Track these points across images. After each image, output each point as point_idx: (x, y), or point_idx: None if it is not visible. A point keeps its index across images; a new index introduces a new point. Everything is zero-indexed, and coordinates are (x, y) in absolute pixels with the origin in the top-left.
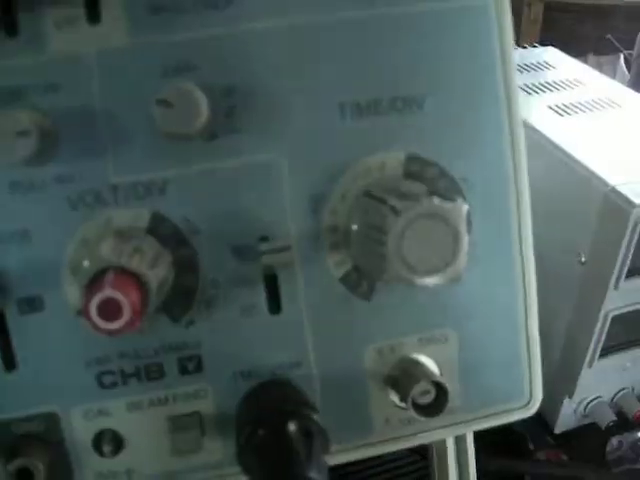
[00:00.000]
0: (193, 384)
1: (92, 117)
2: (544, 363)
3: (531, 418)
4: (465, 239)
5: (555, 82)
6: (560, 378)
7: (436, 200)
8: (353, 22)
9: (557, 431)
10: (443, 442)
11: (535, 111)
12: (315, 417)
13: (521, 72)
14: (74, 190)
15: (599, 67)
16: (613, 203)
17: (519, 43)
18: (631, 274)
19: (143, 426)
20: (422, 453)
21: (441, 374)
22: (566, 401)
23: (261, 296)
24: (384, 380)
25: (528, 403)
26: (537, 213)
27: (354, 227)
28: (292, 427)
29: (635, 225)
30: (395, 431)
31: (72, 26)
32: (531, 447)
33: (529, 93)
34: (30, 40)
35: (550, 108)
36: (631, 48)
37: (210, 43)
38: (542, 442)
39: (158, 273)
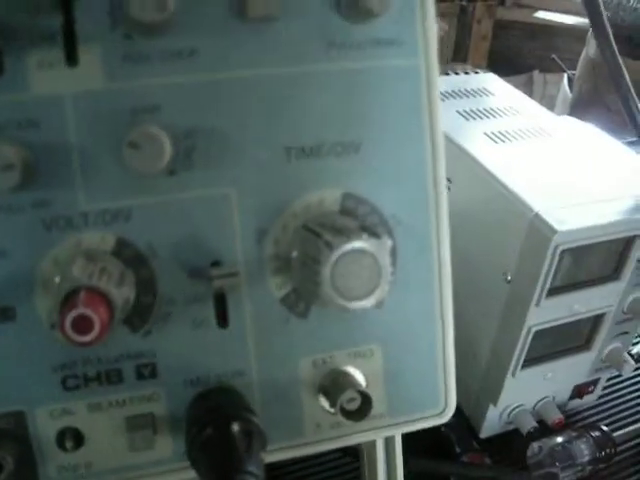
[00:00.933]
0: (148, 388)
1: (68, 151)
2: (471, 372)
3: (458, 423)
4: (387, 270)
5: (492, 109)
6: (486, 387)
7: (364, 237)
8: (300, 76)
9: (482, 436)
10: (373, 444)
11: (471, 137)
12: (255, 420)
13: (461, 97)
14: (48, 215)
15: (544, 84)
16: (536, 228)
17: (468, 58)
18: (551, 293)
19: (102, 425)
20: (355, 455)
21: (367, 384)
22: (491, 408)
23: (211, 312)
24: (316, 388)
25: (443, 411)
26: (470, 233)
27: (294, 255)
28: (235, 427)
29: (555, 249)
30: (325, 433)
31: (52, 68)
32: (457, 450)
33: (467, 119)
34: (13, 79)
35: (486, 134)
36: (574, 67)
37: (174, 89)
38: (468, 446)
39: (123, 292)
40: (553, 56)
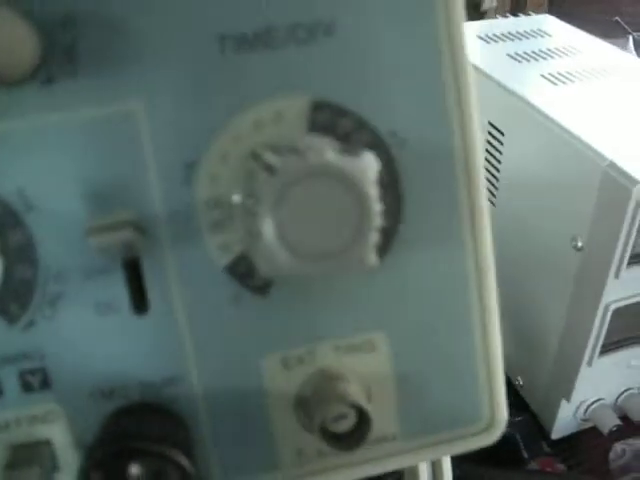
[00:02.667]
0: (40, 404)
1: None
2: (539, 362)
3: (525, 422)
4: (374, 209)
5: (550, 50)
6: (556, 379)
7: (330, 154)
8: None
9: (554, 437)
10: (414, 469)
11: (526, 80)
12: (173, 454)
13: (513, 40)
14: None
15: None
16: (612, 180)
17: None
18: (634, 261)
19: None
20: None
21: (369, 394)
22: (564, 404)
23: (122, 291)
24: (293, 400)
25: (488, 428)
26: (529, 193)
27: (235, 199)
28: (134, 470)
29: (637, 204)
30: (311, 465)
31: None
32: (525, 455)
33: (519, 61)
34: None
35: (543, 77)
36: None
37: None
38: (537, 449)
39: None
40: (616, 19)
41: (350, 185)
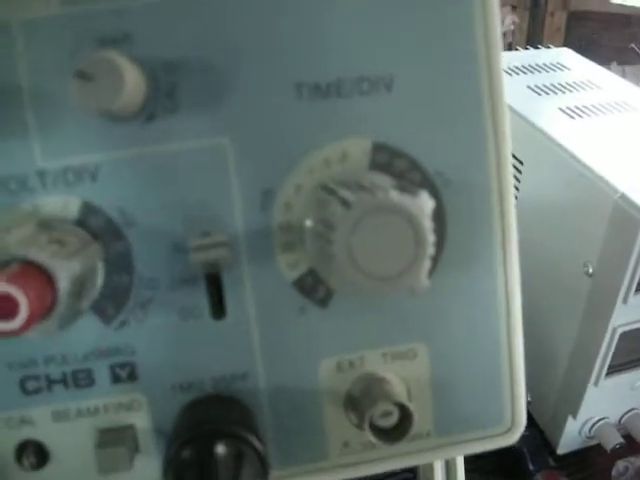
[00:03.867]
0: (126, 394)
1: (17, 94)
2: (548, 380)
3: (532, 437)
4: (429, 241)
5: (568, 84)
6: (564, 396)
7: (394, 193)
8: None
9: (560, 452)
10: (430, 466)
11: (545, 112)
12: (251, 439)
13: (532, 72)
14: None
15: (623, 76)
16: (623, 210)
17: None
18: None
19: (70, 438)
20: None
21: (409, 395)
22: (570, 421)
23: (203, 299)
24: (343, 398)
25: (509, 430)
26: (545, 221)
27: (308, 223)
28: (220, 449)
29: None
30: (355, 456)
31: None
32: (531, 467)
33: (539, 94)
34: None
35: (561, 110)
36: None
37: (149, 11)
38: (543, 463)
39: (73, 267)
40: (632, 45)
41: (410, 219)
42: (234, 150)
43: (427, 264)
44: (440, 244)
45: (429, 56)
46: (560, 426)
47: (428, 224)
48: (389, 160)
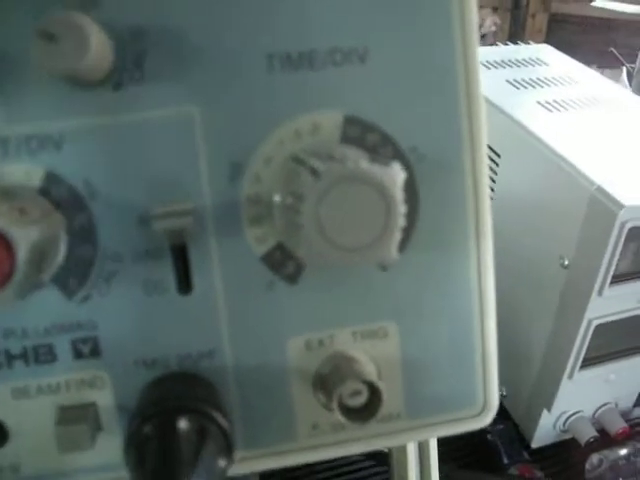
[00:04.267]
0: (89, 370)
1: None
2: (522, 373)
3: (507, 430)
4: (399, 212)
5: (547, 78)
6: (539, 390)
7: (365, 163)
8: None
9: (534, 445)
10: (403, 450)
11: (523, 106)
12: (215, 415)
13: (512, 67)
14: None
15: None
16: (599, 203)
17: None
18: (616, 280)
19: (30, 416)
20: (378, 459)
21: (380, 374)
22: (544, 414)
23: (169, 273)
24: (312, 378)
25: (481, 412)
26: (521, 213)
27: (276, 197)
28: (182, 424)
29: (621, 227)
30: (324, 437)
31: None
32: (505, 461)
33: (517, 88)
34: None
35: (539, 104)
36: (633, 62)
37: None
38: (517, 456)
39: (31, 235)
40: (611, 49)
41: (381, 189)
42: (202, 120)
43: (397, 235)
44: (412, 220)
45: (404, 29)
46: (535, 420)
47: (399, 195)
48: (361, 134)
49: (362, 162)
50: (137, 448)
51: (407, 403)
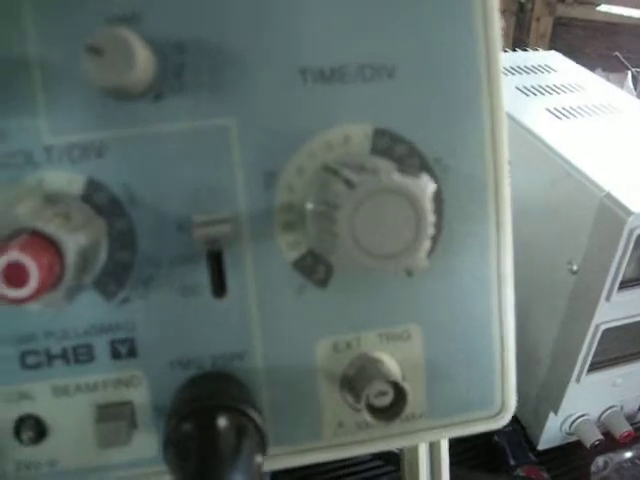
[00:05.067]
0: (126, 370)
1: (26, 70)
2: (530, 376)
3: (514, 432)
4: (429, 221)
5: (555, 85)
6: (546, 392)
7: (397, 175)
8: None
9: (540, 447)
10: (415, 450)
11: (532, 113)
12: (251, 413)
13: (521, 74)
14: (1, 150)
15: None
16: (608, 209)
17: None
18: (624, 286)
19: (69, 413)
20: (387, 458)
21: (404, 375)
22: (551, 417)
23: (205, 277)
24: (338, 379)
25: (499, 413)
26: (529, 217)
27: (309, 205)
28: (222, 422)
29: (630, 234)
30: (349, 436)
31: None
32: (511, 462)
33: (527, 95)
34: None
35: (548, 110)
36: (638, 66)
37: None
38: (524, 458)
39: (79, 240)
40: (616, 53)
41: (412, 200)
42: (238, 131)
43: (427, 244)
44: (438, 228)
45: (430, 46)
46: (541, 422)
47: (429, 205)
48: (390, 145)
49: (394, 174)
50: (177, 446)
51: (429, 403)
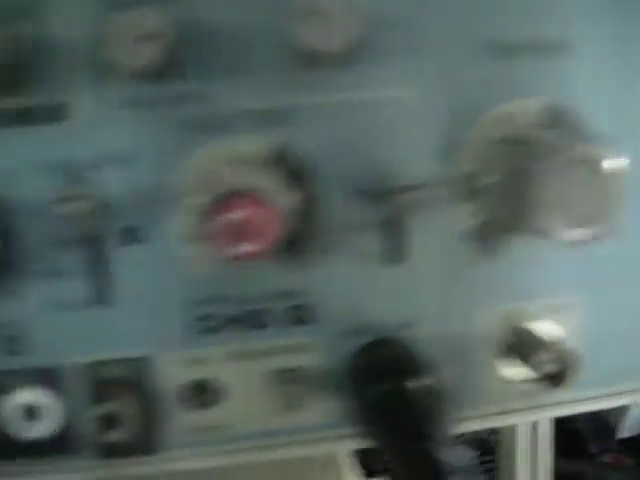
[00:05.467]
0: (301, 336)
1: (220, 34)
2: None
3: (595, 418)
4: (619, 191)
5: None
6: None
7: (589, 146)
8: None
9: (623, 435)
10: (512, 435)
11: None
12: (436, 378)
13: None
14: (192, 113)
15: None
16: None
17: None
18: None
19: (243, 378)
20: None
21: (567, 344)
22: (633, 405)
23: (382, 245)
24: (503, 347)
25: None
26: None
27: (491, 175)
28: (412, 384)
29: None
30: (516, 402)
31: None
32: (594, 450)
33: None
34: None
35: None
36: None
37: None
38: (607, 445)
39: (292, 201)
40: None
41: (603, 171)
42: (420, 102)
43: (618, 216)
44: None
45: (609, 23)
46: (624, 409)
47: (620, 178)
48: (563, 120)
49: (587, 146)
50: (373, 408)
51: (590, 372)
